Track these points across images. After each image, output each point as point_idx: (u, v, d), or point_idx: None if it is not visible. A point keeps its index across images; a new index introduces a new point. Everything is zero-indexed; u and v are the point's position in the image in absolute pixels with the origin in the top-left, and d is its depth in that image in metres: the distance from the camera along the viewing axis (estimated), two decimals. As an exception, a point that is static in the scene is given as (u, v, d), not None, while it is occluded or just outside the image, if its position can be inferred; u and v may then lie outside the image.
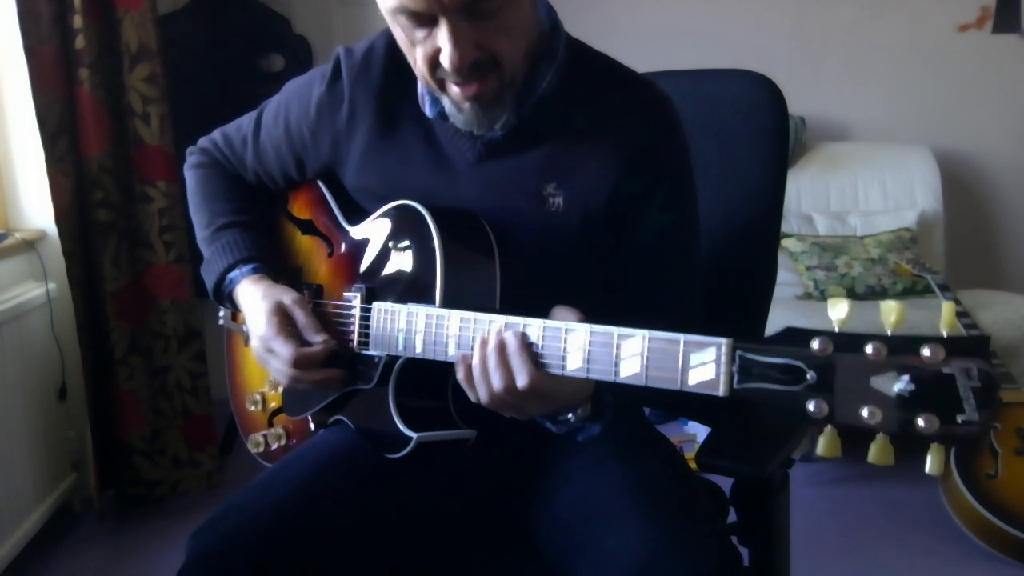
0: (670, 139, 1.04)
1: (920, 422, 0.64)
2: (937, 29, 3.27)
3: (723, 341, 0.74)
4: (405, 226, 1.03)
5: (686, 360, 0.76)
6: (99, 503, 2.26)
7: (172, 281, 2.34)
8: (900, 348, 0.66)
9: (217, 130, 1.26)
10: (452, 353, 0.92)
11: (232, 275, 1.15)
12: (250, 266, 1.14)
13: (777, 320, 1.43)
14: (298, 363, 1.03)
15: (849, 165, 3.16)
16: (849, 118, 3.38)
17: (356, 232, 1.12)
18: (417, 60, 0.95)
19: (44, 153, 2.08)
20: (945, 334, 0.66)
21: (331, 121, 1.11)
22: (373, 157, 1.09)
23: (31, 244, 2.16)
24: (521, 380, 0.86)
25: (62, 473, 2.26)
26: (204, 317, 2.43)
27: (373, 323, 1.02)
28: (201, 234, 1.21)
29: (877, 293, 2.77)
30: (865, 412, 0.66)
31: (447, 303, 0.94)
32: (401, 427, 0.98)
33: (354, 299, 1.06)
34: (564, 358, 0.84)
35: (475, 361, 0.89)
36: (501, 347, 0.86)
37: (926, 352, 0.64)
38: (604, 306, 0.94)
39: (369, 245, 1.08)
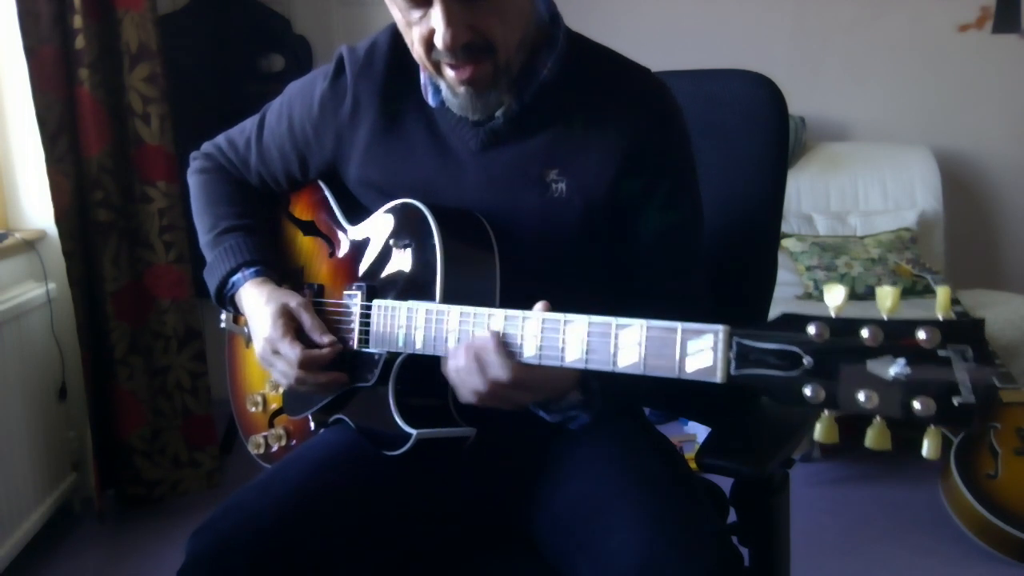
0: (670, 126, 1.05)
1: (916, 405, 0.64)
2: (937, 29, 3.27)
3: (720, 328, 0.74)
4: (405, 224, 1.03)
5: (683, 347, 0.77)
6: (99, 503, 2.27)
7: (172, 281, 2.34)
8: (896, 332, 0.66)
9: (221, 135, 1.27)
10: (452, 348, 0.93)
11: (235, 278, 1.15)
12: (253, 269, 1.15)
13: (777, 320, 1.42)
14: (304, 365, 1.04)
15: (849, 165, 3.16)
16: (849, 118, 3.38)
17: (357, 232, 1.12)
18: (414, 41, 0.97)
19: (44, 153, 2.08)
20: (941, 318, 0.66)
21: (334, 116, 1.12)
22: (377, 150, 1.10)
23: (31, 244, 2.16)
24: (503, 376, 0.88)
25: (62, 473, 2.26)
26: (204, 317, 2.43)
27: (373, 320, 1.03)
28: (204, 238, 1.21)
29: (877, 293, 2.77)
30: (862, 396, 0.66)
31: (447, 300, 0.95)
32: (401, 424, 0.99)
33: (355, 297, 1.07)
34: (563, 349, 0.85)
35: (455, 364, 0.91)
36: (478, 350, 0.89)
37: (922, 335, 0.64)
38: (605, 296, 0.95)
39: (370, 244, 1.09)
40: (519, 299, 0.91)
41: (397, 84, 1.09)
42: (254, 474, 1.05)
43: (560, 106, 1.04)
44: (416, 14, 0.94)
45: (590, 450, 1.03)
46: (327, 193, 1.18)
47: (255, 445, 1.23)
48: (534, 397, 0.95)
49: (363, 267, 1.09)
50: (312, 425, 1.16)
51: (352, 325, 1.07)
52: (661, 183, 1.04)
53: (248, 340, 1.12)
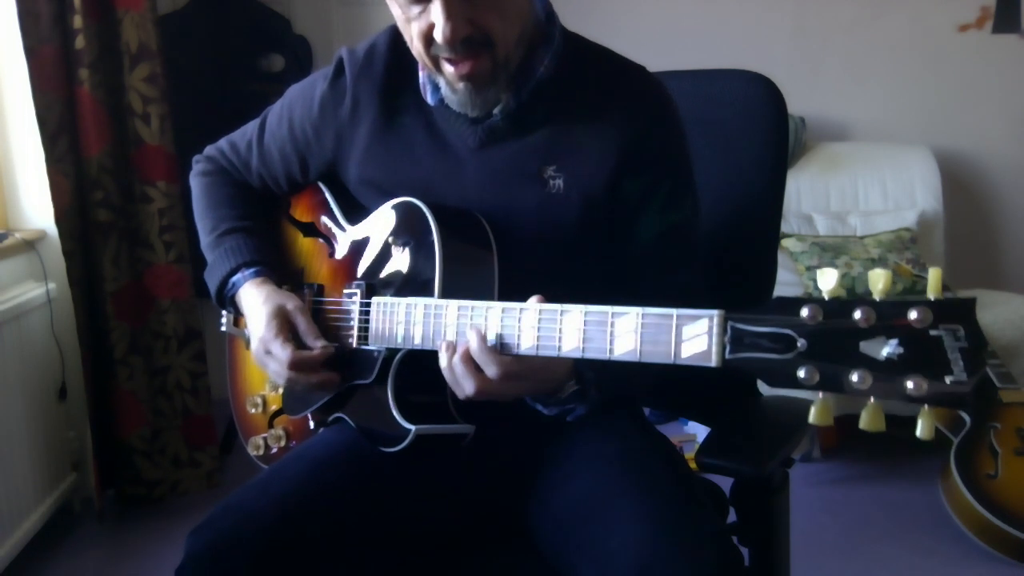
0: (667, 122, 1.06)
1: (909, 384, 0.65)
2: (937, 29, 3.26)
3: (715, 313, 0.75)
4: (404, 223, 1.04)
5: (679, 333, 0.77)
6: (99, 503, 2.27)
7: (172, 281, 2.34)
8: (888, 313, 0.66)
9: (223, 138, 1.29)
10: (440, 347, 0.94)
11: (235, 279, 1.16)
12: (253, 270, 1.16)
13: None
14: (295, 365, 1.05)
15: (849, 165, 3.15)
16: (849, 118, 3.37)
17: (356, 231, 1.13)
18: (413, 37, 0.98)
19: (44, 153, 2.08)
20: (932, 298, 0.66)
21: (334, 116, 1.13)
22: (376, 149, 1.11)
23: (31, 244, 2.16)
24: (492, 372, 0.89)
25: (62, 473, 2.26)
26: (204, 317, 2.43)
27: (373, 318, 1.04)
28: (205, 240, 1.22)
29: (877, 293, 2.77)
30: (855, 377, 0.66)
31: (446, 296, 0.96)
32: (400, 420, 0.99)
33: (354, 296, 1.07)
34: (560, 339, 0.86)
35: (445, 364, 0.92)
36: (465, 351, 0.90)
37: (913, 315, 0.65)
38: (603, 292, 0.95)
39: (369, 243, 1.09)
40: (517, 295, 0.92)
41: (396, 84, 1.10)
42: (254, 474, 1.05)
43: (557, 103, 1.05)
44: (415, 9, 0.95)
45: (590, 450, 1.03)
46: (327, 195, 1.18)
47: (255, 447, 1.23)
48: (530, 386, 0.95)
49: (363, 266, 1.10)
50: (312, 424, 1.16)
51: (351, 323, 1.07)
52: (662, 184, 1.05)
53: (248, 343, 1.13)
